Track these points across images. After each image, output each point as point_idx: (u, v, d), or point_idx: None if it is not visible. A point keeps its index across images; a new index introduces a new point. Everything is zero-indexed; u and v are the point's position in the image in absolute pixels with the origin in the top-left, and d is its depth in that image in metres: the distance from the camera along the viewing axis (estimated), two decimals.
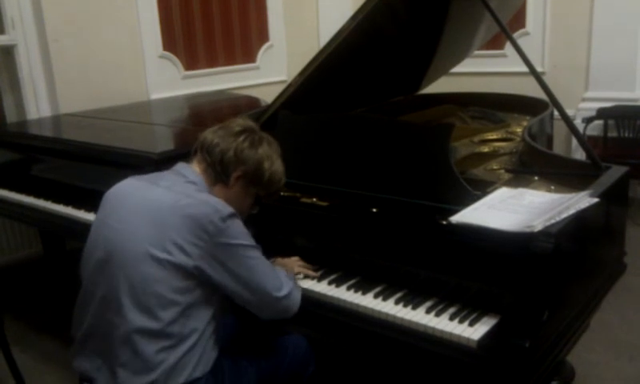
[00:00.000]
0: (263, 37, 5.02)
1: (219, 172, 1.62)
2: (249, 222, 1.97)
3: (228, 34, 4.75)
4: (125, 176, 1.67)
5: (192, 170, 1.63)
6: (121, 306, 1.47)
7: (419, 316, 1.58)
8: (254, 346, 1.72)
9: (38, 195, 2.80)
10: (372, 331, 1.66)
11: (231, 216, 1.51)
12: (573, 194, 1.66)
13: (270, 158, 1.68)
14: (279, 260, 1.85)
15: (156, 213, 1.50)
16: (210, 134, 1.66)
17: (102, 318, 1.53)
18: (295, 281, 1.72)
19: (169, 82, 4.31)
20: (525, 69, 2.09)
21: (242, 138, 1.64)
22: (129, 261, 1.47)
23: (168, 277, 1.45)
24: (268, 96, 3.01)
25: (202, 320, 1.52)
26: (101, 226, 1.59)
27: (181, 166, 1.65)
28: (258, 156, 1.64)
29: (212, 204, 1.51)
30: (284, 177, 1.74)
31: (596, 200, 1.62)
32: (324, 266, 1.85)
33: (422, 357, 1.61)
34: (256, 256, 1.56)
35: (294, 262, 1.87)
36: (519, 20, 4.72)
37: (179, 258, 1.45)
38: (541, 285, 1.43)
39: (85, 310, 1.58)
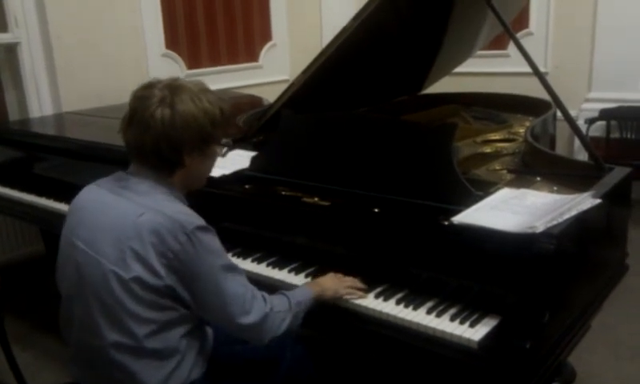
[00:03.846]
0: (266, 36, 5.03)
1: (167, 167, 1.48)
2: (247, 221, 1.96)
3: (231, 33, 4.75)
4: None
5: (146, 172, 1.48)
6: (98, 327, 1.42)
7: (420, 316, 1.58)
8: (249, 350, 1.68)
9: (39, 194, 2.81)
10: (373, 331, 1.65)
11: (198, 230, 1.40)
12: (575, 195, 1.65)
13: (197, 107, 1.45)
14: (319, 281, 1.72)
15: (120, 231, 1.40)
16: (130, 135, 1.47)
17: (85, 343, 1.49)
18: (290, 304, 1.57)
19: None
20: (528, 69, 2.09)
21: (159, 117, 1.41)
22: (98, 283, 1.41)
23: (139, 295, 1.38)
24: (271, 95, 3.01)
25: (187, 333, 1.46)
26: (69, 246, 1.50)
27: (136, 170, 1.50)
28: (188, 119, 1.43)
29: (176, 218, 1.39)
30: (221, 101, 1.54)
31: (598, 201, 1.61)
32: (324, 266, 1.84)
33: (423, 357, 1.61)
34: (223, 277, 1.43)
35: (337, 282, 1.70)
36: (523, 20, 4.72)
37: (147, 277, 1.37)
38: (542, 286, 1.43)
39: (69, 324, 1.54)
